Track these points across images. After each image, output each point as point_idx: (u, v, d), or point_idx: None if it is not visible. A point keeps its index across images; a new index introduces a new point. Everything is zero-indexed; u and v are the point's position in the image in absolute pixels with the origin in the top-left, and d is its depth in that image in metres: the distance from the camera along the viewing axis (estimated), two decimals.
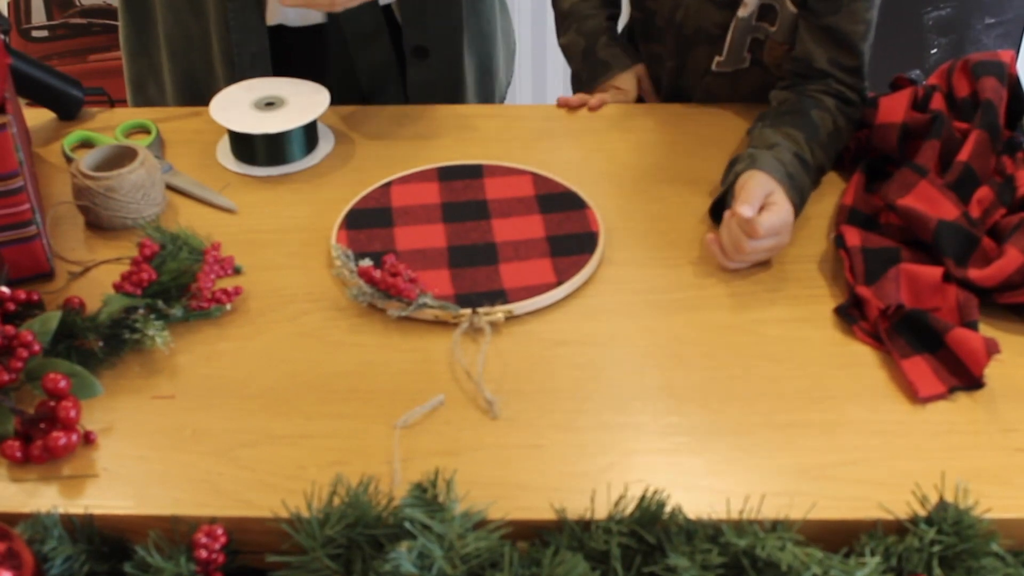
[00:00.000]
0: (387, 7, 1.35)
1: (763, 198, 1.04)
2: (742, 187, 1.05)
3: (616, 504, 0.78)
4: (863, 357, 0.95)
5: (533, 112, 1.33)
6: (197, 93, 1.37)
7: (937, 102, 1.15)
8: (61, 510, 0.81)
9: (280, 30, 1.33)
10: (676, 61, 1.33)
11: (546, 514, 0.80)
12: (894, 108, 1.16)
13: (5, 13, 2.41)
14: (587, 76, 1.36)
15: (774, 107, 1.20)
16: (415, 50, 1.37)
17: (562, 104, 1.33)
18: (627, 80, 1.35)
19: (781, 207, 1.04)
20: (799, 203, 1.09)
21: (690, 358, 0.96)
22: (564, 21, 1.39)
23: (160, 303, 0.98)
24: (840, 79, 1.19)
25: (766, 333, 0.98)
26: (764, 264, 1.06)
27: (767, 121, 1.17)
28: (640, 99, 1.37)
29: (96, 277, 1.05)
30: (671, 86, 1.35)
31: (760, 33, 1.25)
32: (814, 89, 1.19)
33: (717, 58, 1.27)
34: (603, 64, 1.34)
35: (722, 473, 0.85)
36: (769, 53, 1.25)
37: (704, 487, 0.83)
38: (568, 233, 1.09)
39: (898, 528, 0.80)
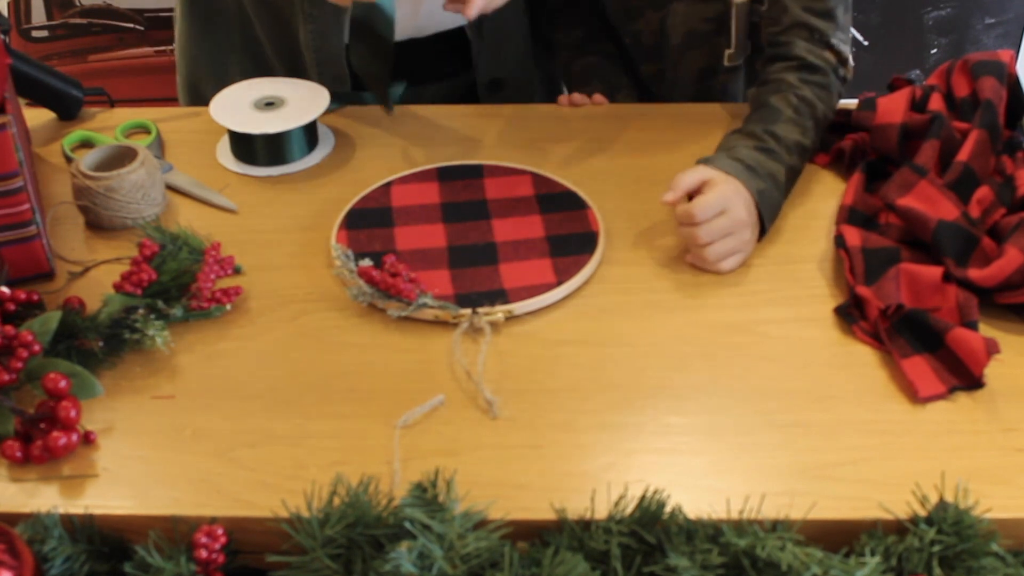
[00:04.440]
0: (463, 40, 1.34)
1: (693, 185, 1.05)
2: (674, 179, 1.06)
3: (616, 504, 0.78)
4: (863, 357, 0.95)
5: (533, 112, 1.33)
6: None
7: (936, 102, 1.15)
8: (61, 510, 0.81)
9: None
10: (672, 72, 1.35)
11: (546, 514, 0.80)
12: (893, 108, 1.16)
13: (5, 13, 2.41)
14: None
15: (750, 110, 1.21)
16: (491, 83, 1.37)
17: (563, 103, 1.33)
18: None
19: (716, 187, 1.04)
20: (770, 187, 1.08)
21: (690, 358, 0.96)
22: (580, 77, 1.39)
23: (160, 303, 0.98)
24: (812, 27, 1.19)
25: (766, 333, 0.98)
26: (762, 262, 1.06)
27: (733, 128, 1.17)
28: None
29: (96, 277, 1.05)
30: (668, 99, 1.37)
31: (755, 16, 1.26)
32: (776, 70, 1.19)
33: (728, 51, 1.28)
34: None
35: (722, 473, 0.85)
36: (764, 34, 1.26)
37: (704, 487, 0.83)
38: (568, 233, 1.09)
39: (898, 528, 0.80)
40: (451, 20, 1.30)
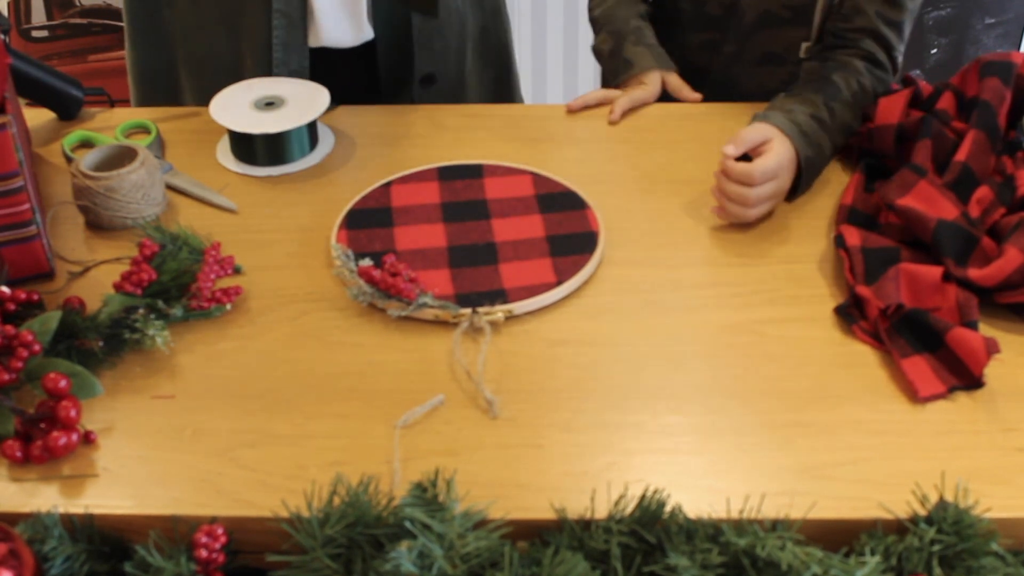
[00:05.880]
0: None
1: (755, 142, 1.09)
2: (737, 133, 1.10)
3: (616, 504, 0.78)
4: (863, 357, 0.95)
5: (533, 112, 1.33)
6: None
7: (945, 101, 1.15)
8: (61, 510, 0.81)
9: (323, 51, 1.32)
10: (734, 47, 1.35)
11: (546, 514, 0.80)
12: (891, 109, 1.16)
13: (5, 13, 2.41)
14: (611, 74, 1.37)
15: (801, 79, 1.24)
16: (423, 79, 1.37)
17: (575, 108, 1.32)
18: (651, 77, 1.33)
19: (777, 150, 1.09)
20: (815, 156, 1.13)
21: (690, 358, 0.96)
22: (595, 25, 1.42)
23: (160, 303, 0.98)
24: (881, 34, 1.23)
25: (766, 333, 0.98)
26: (762, 262, 1.06)
27: (788, 91, 1.20)
28: (665, 98, 1.36)
29: (96, 277, 1.05)
30: (723, 74, 1.38)
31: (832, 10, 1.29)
32: (843, 54, 1.23)
33: (805, 44, 1.29)
34: (626, 62, 1.35)
35: (722, 473, 0.85)
36: (831, 26, 1.28)
37: (704, 487, 0.83)
38: (568, 233, 1.09)
39: (898, 528, 0.80)
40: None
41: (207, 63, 1.34)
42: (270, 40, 1.29)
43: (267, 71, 1.30)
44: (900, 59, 1.26)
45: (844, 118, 1.18)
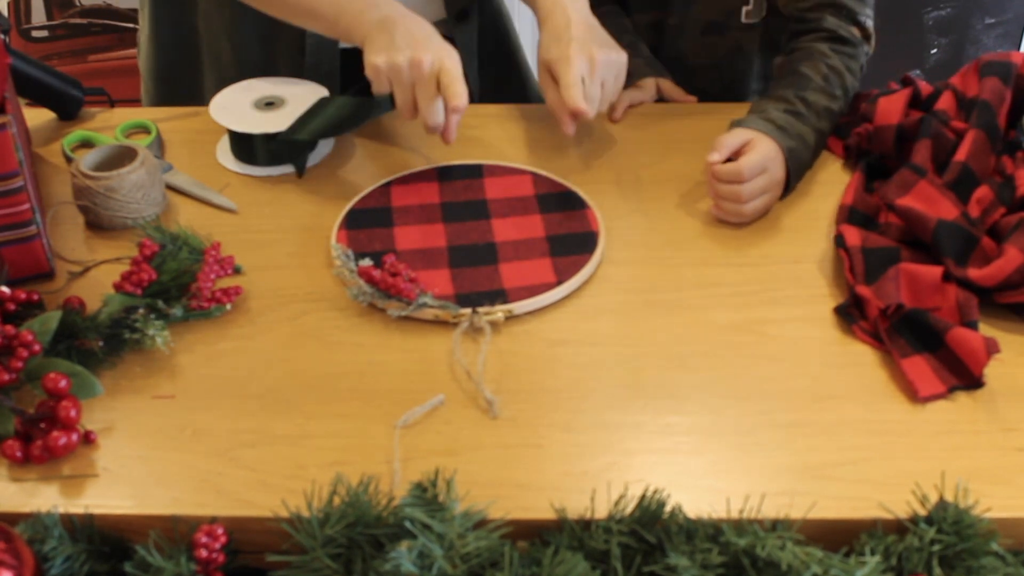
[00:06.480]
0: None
1: (736, 146, 1.11)
2: (717, 139, 1.12)
3: (616, 504, 0.78)
4: (863, 357, 0.95)
5: (533, 112, 1.33)
6: None
7: (945, 101, 1.15)
8: (61, 510, 0.81)
9: (354, 52, 1.32)
10: (677, 20, 1.36)
11: (546, 514, 0.80)
12: (891, 110, 1.16)
13: (5, 13, 2.42)
14: None
15: (773, 77, 1.26)
16: None
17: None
18: (646, 83, 1.35)
19: (759, 147, 1.11)
20: (799, 147, 1.14)
21: (690, 358, 0.96)
22: None
23: (160, 303, 0.98)
24: (839, 4, 1.23)
25: (766, 333, 0.98)
26: (762, 262, 1.06)
27: (763, 94, 1.22)
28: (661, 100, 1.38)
29: (96, 277, 1.05)
30: (672, 48, 1.38)
31: None
32: (806, 40, 1.24)
33: (746, 8, 1.29)
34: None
35: (722, 473, 0.85)
36: (788, 8, 1.29)
37: (704, 487, 0.83)
38: (568, 233, 1.09)
39: (898, 527, 0.80)
40: None
41: (236, 67, 1.34)
42: (303, 45, 1.28)
43: (299, 75, 1.30)
44: (871, 23, 1.25)
45: (821, 104, 1.18)
